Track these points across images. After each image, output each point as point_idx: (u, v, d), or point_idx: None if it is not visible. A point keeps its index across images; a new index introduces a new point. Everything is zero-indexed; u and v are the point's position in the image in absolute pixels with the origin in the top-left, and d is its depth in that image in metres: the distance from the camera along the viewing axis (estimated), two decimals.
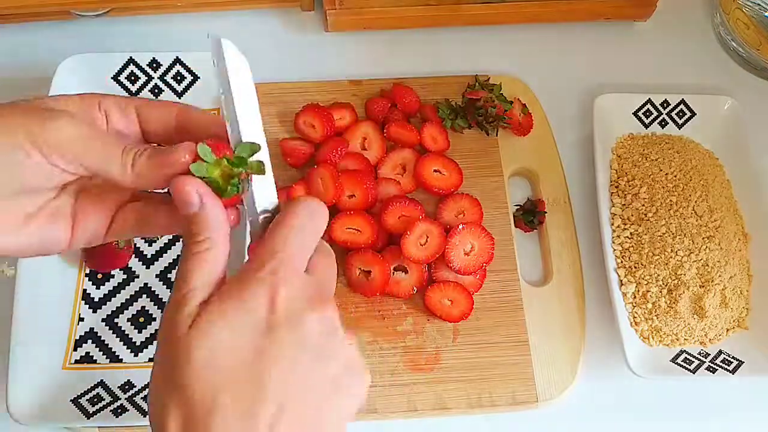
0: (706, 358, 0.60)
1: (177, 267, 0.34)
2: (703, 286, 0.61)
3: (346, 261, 0.61)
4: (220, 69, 0.36)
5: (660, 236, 0.62)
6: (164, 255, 0.62)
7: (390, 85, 0.69)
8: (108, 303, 0.60)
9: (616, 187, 0.66)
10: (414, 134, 0.66)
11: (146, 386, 0.57)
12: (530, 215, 0.65)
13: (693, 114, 0.70)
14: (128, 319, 0.60)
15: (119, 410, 0.55)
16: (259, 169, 0.35)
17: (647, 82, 0.73)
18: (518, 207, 0.66)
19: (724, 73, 0.75)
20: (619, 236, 0.63)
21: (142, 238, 0.62)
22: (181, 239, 0.62)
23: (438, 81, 0.70)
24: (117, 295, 0.61)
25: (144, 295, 0.61)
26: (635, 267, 0.62)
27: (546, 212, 0.65)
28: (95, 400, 0.55)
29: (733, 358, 0.60)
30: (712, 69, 0.75)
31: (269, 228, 0.35)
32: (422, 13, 0.71)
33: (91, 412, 0.55)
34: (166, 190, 0.36)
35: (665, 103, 0.69)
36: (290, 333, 0.33)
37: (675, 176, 0.65)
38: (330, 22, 0.71)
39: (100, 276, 0.61)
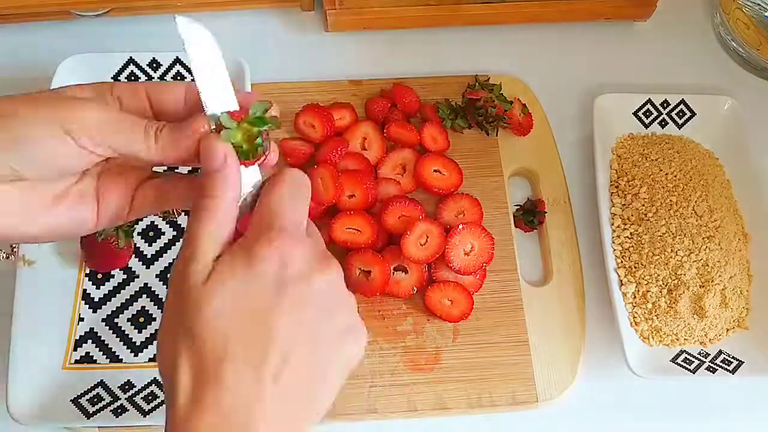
0: (706, 358, 0.60)
1: (186, 226, 0.36)
2: (703, 286, 0.61)
3: (346, 261, 0.61)
4: (185, 47, 0.38)
5: (660, 236, 0.62)
6: (164, 255, 0.62)
7: (390, 85, 0.69)
8: (108, 303, 0.60)
9: (616, 187, 0.66)
10: (414, 134, 0.66)
11: (146, 386, 0.57)
12: (530, 215, 0.65)
13: (693, 114, 0.70)
14: (128, 319, 0.60)
15: (119, 410, 0.55)
16: (276, 123, 0.37)
17: (647, 82, 0.73)
18: (518, 207, 0.66)
19: (724, 73, 0.75)
20: (619, 236, 0.63)
21: (142, 239, 0.62)
22: (180, 240, 0.62)
23: (438, 81, 0.70)
24: (117, 295, 0.61)
25: (144, 295, 0.61)
26: (635, 267, 0.62)
27: (546, 212, 0.65)
28: (95, 400, 0.55)
29: (733, 358, 0.60)
30: (712, 69, 0.75)
31: (264, 196, 0.37)
32: (422, 13, 0.71)
33: (91, 412, 0.55)
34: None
35: (665, 103, 0.69)
36: (299, 289, 0.35)
37: (675, 176, 0.65)
38: (330, 22, 0.71)
39: (100, 276, 0.61)
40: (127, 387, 0.57)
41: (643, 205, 0.64)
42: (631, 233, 0.63)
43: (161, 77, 0.66)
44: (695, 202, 0.64)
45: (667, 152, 0.67)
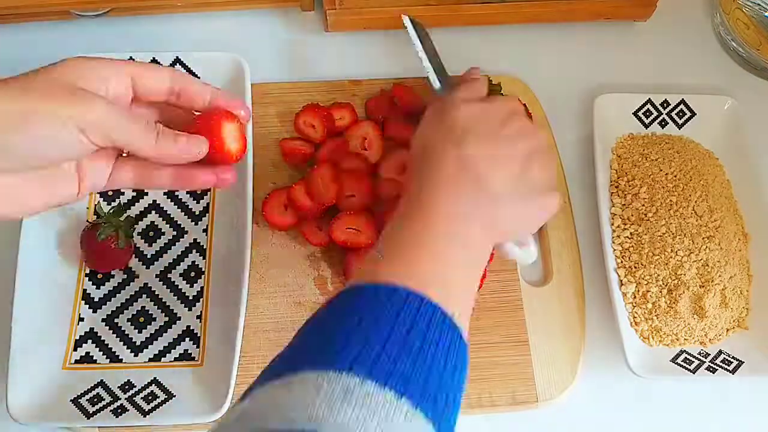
0: (706, 358, 0.60)
1: None
2: (703, 286, 0.61)
3: (346, 261, 0.61)
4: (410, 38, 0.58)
5: (660, 236, 0.62)
6: (164, 255, 0.62)
7: (390, 85, 0.69)
8: (108, 303, 0.60)
9: (616, 187, 0.66)
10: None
11: (146, 386, 0.57)
12: None
13: (693, 114, 0.70)
14: (128, 319, 0.60)
15: (119, 410, 0.55)
16: None
17: (647, 82, 0.73)
18: None
19: (724, 73, 0.75)
20: (619, 236, 0.63)
21: (142, 239, 0.62)
22: (180, 240, 0.62)
23: None
24: (117, 295, 0.61)
25: (144, 295, 0.61)
26: (635, 267, 0.62)
27: None
28: (95, 400, 0.55)
29: (733, 358, 0.60)
30: (712, 69, 0.75)
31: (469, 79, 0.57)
32: (422, 13, 0.70)
33: (91, 412, 0.55)
34: None
35: (665, 103, 0.69)
36: (514, 119, 0.51)
37: (675, 176, 0.65)
38: (330, 22, 0.71)
39: (100, 276, 0.61)
40: (127, 387, 0.57)
41: (643, 205, 0.64)
42: (631, 233, 0.63)
43: None
44: (695, 202, 0.64)
45: (667, 152, 0.67)
